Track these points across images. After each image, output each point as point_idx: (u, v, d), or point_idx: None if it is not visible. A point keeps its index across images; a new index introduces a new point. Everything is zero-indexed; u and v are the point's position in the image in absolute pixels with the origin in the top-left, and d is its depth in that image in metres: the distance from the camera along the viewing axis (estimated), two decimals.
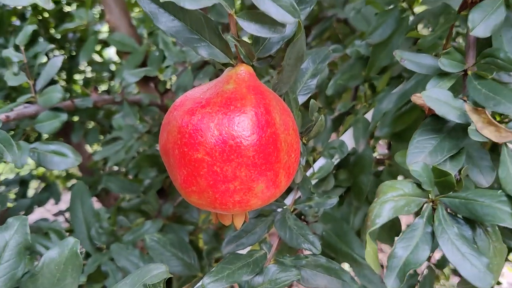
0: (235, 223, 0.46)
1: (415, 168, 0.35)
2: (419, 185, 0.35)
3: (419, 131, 0.40)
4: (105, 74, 1.86)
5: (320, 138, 0.80)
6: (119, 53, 1.20)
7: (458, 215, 0.35)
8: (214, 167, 0.39)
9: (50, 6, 0.39)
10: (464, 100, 0.38)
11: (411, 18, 0.71)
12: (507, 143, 0.36)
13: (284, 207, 0.63)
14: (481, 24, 0.39)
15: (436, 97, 0.38)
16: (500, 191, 0.34)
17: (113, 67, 1.80)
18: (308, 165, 0.73)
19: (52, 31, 1.49)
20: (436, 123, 0.39)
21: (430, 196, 0.36)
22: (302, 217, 0.68)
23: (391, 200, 0.34)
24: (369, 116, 0.75)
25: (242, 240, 0.61)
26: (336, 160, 0.74)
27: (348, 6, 1.05)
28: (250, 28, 0.39)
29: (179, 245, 0.72)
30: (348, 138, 0.75)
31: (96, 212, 0.86)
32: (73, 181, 1.86)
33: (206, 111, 0.39)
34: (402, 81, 0.69)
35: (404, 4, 0.64)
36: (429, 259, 1.02)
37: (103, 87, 1.96)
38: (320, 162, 0.74)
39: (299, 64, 0.43)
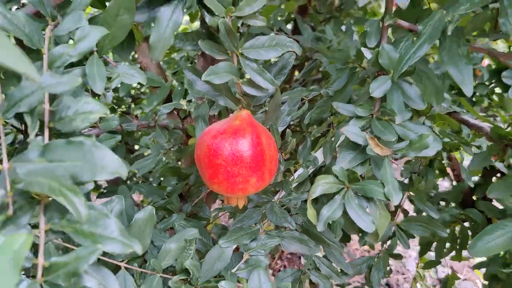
0: (239, 204, 0.76)
1: (335, 169, 0.64)
2: (337, 177, 0.64)
3: (344, 150, 0.69)
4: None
5: (301, 154, 1.10)
6: (150, 87, 1.51)
7: (359, 194, 0.65)
8: (227, 168, 0.68)
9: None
10: (366, 132, 0.68)
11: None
12: (388, 157, 0.66)
13: (272, 200, 0.92)
14: (377, 89, 0.69)
15: (351, 131, 0.68)
16: (379, 181, 0.63)
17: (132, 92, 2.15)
18: (291, 173, 1.03)
19: None
20: (353, 145, 0.69)
21: (345, 184, 0.65)
22: (285, 209, 0.97)
23: (321, 185, 0.63)
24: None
25: (244, 222, 0.91)
26: (311, 170, 1.03)
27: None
28: (249, 90, 0.69)
29: (199, 229, 1.01)
30: (319, 154, 1.04)
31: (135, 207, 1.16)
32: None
33: (223, 136, 0.69)
34: None
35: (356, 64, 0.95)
36: (400, 257, 1.30)
37: (123, 108, 2.29)
38: (300, 171, 1.03)
39: (277, 109, 0.73)
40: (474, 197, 1.47)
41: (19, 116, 0.46)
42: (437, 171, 1.47)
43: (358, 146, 0.69)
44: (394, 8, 0.78)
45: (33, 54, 0.52)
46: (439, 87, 0.75)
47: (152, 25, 0.58)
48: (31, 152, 0.42)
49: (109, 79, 0.56)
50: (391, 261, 3.11)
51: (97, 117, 0.46)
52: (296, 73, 1.94)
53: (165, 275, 0.72)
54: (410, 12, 0.79)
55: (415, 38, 0.68)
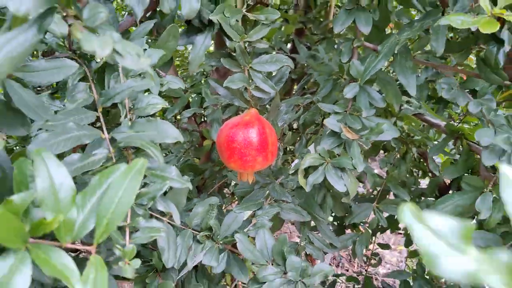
0: (249, 179, 1.00)
1: (319, 149, 0.90)
2: (320, 155, 0.90)
3: (326, 136, 0.95)
4: None
5: (298, 149, 1.36)
6: (172, 98, 1.78)
7: (335, 166, 0.90)
8: (241, 150, 0.93)
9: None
10: (341, 123, 0.94)
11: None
12: (356, 140, 0.91)
13: (274, 182, 1.18)
14: (349, 92, 0.95)
15: (331, 122, 0.93)
16: (349, 156, 0.88)
17: None
18: (289, 163, 1.28)
19: None
20: (332, 133, 0.95)
21: (326, 159, 0.91)
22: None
23: (309, 159, 0.89)
24: None
25: (250, 200, 1.16)
26: None
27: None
28: (256, 93, 0.95)
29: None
30: (312, 148, 1.30)
31: None
32: None
33: (238, 127, 0.94)
34: None
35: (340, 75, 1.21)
36: (388, 247, 1.54)
37: None
38: (296, 161, 1.29)
39: (277, 108, 0.99)
40: (450, 192, 1.71)
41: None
42: (420, 172, 1.72)
43: (335, 133, 0.94)
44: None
45: (111, 67, 0.78)
46: (397, 92, 1.01)
47: (190, 47, 0.85)
48: (123, 127, 0.68)
49: (161, 85, 0.82)
50: (389, 259, 3.34)
51: (160, 108, 0.72)
52: (295, 86, 2.21)
53: (194, 231, 0.97)
54: (376, 36, 1.06)
55: (376, 55, 0.94)
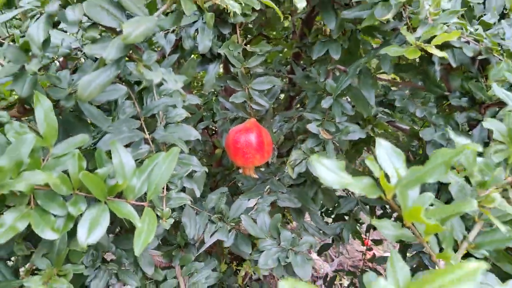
0: (251, 173, 1.29)
1: (303, 147, 1.18)
2: (304, 152, 1.18)
3: (309, 138, 1.23)
4: None
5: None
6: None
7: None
8: (244, 150, 1.21)
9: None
10: (320, 127, 1.22)
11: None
12: (331, 139, 1.20)
13: (273, 177, 1.46)
14: (325, 103, 1.23)
15: (312, 127, 1.22)
16: (326, 152, 1.16)
17: None
18: (285, 164, 1.56)
19: None
20: (313, 135, 1.23)
21: (308, 155, 1.19)
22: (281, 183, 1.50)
23: (294, 155, 1.17)
24: None
25: (253, 192, 1.43)
26: None
27: None
28: (255, 106, 1.24)
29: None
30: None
31: None
32: None
33: (241, 132, 1.23)
34: None
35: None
36: (381, 242, 1.80)
37: None
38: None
39: (270, 117, 1.28)
40: None
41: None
42: None
43: (316, 135, 1.23)
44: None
45: (147, 90, 1.08)
46: (365, 103, 1.29)
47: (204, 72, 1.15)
48: (159, 129, 0.97)
49: (183, 101, 1.12)
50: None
51: (184, 117, 1.02)
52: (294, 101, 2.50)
53: (209, 214, 1.25)
54: (349, 59, 1.35)
55: (345, 75, 1.23)
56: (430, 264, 1.26)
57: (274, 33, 1.81)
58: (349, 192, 1.72)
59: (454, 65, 1.03)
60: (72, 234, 0.98)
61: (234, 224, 1.27)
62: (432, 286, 0.41)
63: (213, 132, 1.97)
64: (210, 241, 1.24)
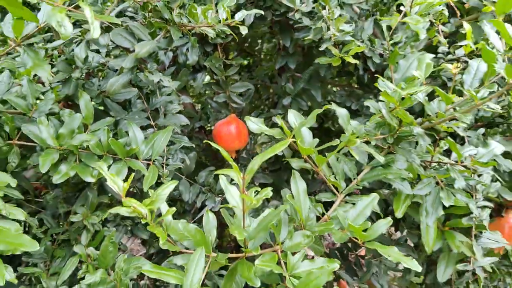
0: (232, 156, 1.68)
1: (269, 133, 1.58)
2: (268, 136, 1.58)
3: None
4: None
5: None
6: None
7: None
8: (225, 138, 1.61)
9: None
10: None
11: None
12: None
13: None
14: (285, 101, 1.64)
15: (276, 120, 1.62)
16: None
17: None
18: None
19: None
20: (277, 125, 1.64)
21: (272, 139, 1.59)
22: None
23: (262, 139, 1.57)
24: None
25: None
26: None
27: None
28: (234, 105, 1.65)
29: None
30: None
31: None
32: None
33: (223, 124, 1.63)
34: None
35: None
36: None
37: None
38: None
39: (247, 113, 1.69)
40: None
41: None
42: None
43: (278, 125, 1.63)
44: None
45: (153, 92, 1.50)
46: (315, 100, 1.69)
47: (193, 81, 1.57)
48: (161, 118, 1.38)
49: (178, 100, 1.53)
50: None
51: (178, 109, 1.43)
52: None
53: (200, 185, 1.65)
54: (306, 68, 1.76)
55: (300, 80, 1.64)
56: None
57: (257, 48, 2.22)
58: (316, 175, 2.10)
59: (372, 69, 1.43)
60: (100, 192, 1.39)
61: (220, 194, 1.67)
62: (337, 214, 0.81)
63: (209, 132, 2.39)
64: (204, 210, 1.64)
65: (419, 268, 0.86)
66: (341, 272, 1.71)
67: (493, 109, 0.96)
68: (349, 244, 1.99)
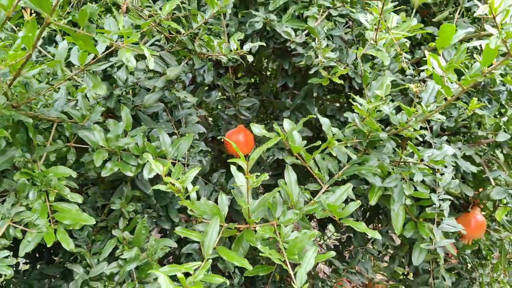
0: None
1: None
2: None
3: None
4: None
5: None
6: None
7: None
8: (236, 144, 1.92)
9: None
10: None
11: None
12: None
13: (256, 166, 2.16)
14: (283, 115, 1.95)
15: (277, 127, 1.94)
16: None
17: None
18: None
19: None
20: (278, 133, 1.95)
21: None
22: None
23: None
24: None
25: None
26: None
27: None
28: (242, 116, 1.96)
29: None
30: None
31: None
32: None
33: (233, 134, 1.94)
34: None
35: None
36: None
37: None
38: None
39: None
40: None
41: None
42: None
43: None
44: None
45: (175, 106, 1.83)
46: (310, 114, 2.00)
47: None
48: (183, 127, 1.70)
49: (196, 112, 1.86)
50: None
51: (196, 120, 1.75)
52: None
53: (214, 185, 1.95)
54: (303, 86, 2.08)
55: (298, 96, 1.95)
56: None
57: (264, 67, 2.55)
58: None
59: (357, 88, 1.74)
60: (132, 188, 1.70)
61: (230, 193, 1.97)
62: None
63: (220, 142, 2.70)
64: None
65: (379, 236, 1.15)
66: (336, 261, 1.99)
67: (439, 119, 1.26)
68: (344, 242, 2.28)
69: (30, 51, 0.96)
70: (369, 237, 1.93)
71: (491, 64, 1.07)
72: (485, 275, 2.10)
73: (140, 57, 1.54)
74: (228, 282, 1.01)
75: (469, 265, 2.18)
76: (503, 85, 1.83)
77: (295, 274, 1.00)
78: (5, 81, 1.04)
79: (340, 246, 2.36)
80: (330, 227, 2.81)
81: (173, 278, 0.98)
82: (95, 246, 1.65)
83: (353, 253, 1.91)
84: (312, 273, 2.15)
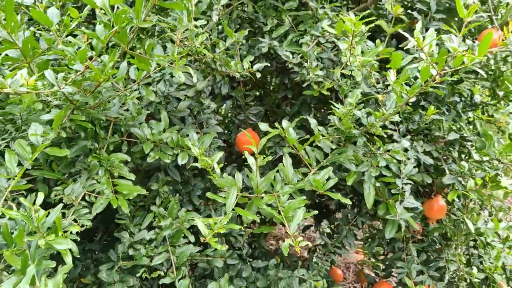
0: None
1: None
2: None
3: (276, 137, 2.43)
4: None
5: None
6: None
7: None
8: (244, 143, 2.39)
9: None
10: None
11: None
12: None
13: None
14: (284, 123, 2.44)
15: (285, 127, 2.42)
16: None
17: None
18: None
19: None
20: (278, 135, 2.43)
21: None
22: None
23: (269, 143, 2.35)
24: None
25: None
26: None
27: None
28: (250, 121, 2.45)
29: None
30: None
31: None
32: None
33: (243, 134, 2.42)
34: None
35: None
36: None
37: None
38: None
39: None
40: None
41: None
42: None
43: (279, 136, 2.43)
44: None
45: (199, 112, 2.32)
46: (306, 120, 2.49)
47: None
48: (205, 128, 2.19)
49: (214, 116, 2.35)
50: None
51: (215, 123, 2.24)
52: None
53: None
54: (297, 97, 2.56)
55: (294, 104, 2.44)
56: None
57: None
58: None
59: (341, 98, 2.23)
60: (165, 175, 2.18)
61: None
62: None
63: (230, 144, 3.19)
64: None
65: (349, 202, 1.62)
66: (325, 237, 2.45)
67: (397, 120, 1.74)
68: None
69: (110, 70, 1.45)
70: (351, 218, 2.40)
71: (427, 80, 1.55)
72: (450, 254, 2.56)
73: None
74: (243, 228, 1.48)
75: (437, 246, 2.63)
76: (459, 97, 2.32)
77: (289, 225, 1.47)
78: (89, 88, 1.53)
79: (332, 233, 2.82)
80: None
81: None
82: (136, 220, 2.13)
83: (339, 231, 2.37)
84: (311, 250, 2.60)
